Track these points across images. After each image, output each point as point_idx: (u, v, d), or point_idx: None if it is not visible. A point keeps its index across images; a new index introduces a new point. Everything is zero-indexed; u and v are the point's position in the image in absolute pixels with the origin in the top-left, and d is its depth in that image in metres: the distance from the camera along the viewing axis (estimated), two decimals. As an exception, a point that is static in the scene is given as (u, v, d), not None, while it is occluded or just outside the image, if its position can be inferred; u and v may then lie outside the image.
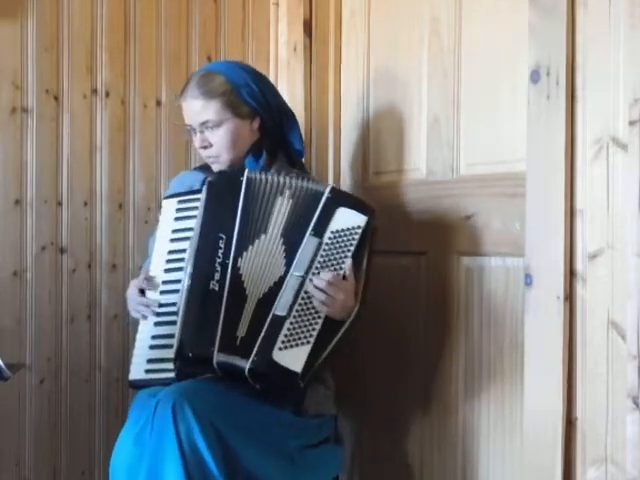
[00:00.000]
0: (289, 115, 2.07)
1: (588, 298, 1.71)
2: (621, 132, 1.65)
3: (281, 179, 1.88)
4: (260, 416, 1.77)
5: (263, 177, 1.88)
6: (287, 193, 1.86)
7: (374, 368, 2.30)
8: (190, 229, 1.87)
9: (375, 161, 2.39)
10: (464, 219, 2.05)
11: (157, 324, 1.87)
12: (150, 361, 1.84)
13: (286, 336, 1.75)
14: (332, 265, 1.80)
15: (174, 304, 1.82)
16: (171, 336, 1.77)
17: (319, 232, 1.82)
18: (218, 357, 1.72)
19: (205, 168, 2.05)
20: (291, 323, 1.76)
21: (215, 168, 2.00)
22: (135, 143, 2.41)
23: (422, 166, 2.21)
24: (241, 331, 1.76)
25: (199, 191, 1.91)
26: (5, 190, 2.21)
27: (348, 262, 1.79)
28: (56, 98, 2.28)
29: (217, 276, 1.78)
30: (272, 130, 2.02)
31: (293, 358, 1.73)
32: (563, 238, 1.73)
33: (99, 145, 2.35)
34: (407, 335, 2.18)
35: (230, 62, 2.20)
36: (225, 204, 1.85)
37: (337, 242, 1.82)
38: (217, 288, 1.77)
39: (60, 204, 2.29)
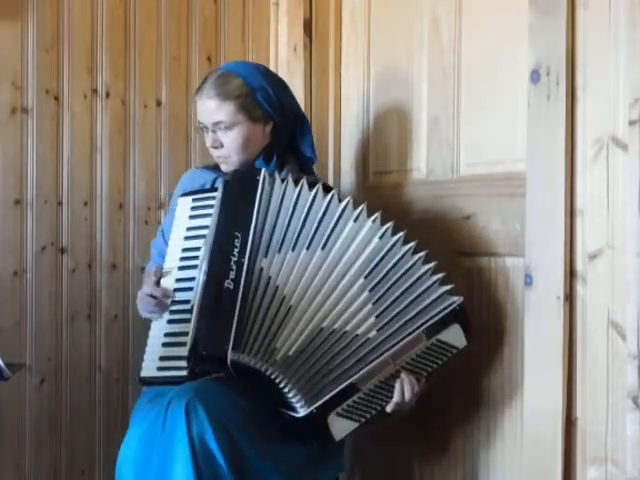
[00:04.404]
0: (303, 121, 2.06)
1: (588, 298, 1.71)
2: (621, 132, 1.65)
3: (339, 201, 1.84)
4: (267, 419, 1.76)
5: (290, 179, 1.85)
6: (367, 225, 1.81)
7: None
8: (205, 227, 1.86)
9: (375, 161, 2.39)
10: (464, 219, 2.05)
11: (170, 321, 1.85)
12: (162, 359, 1.82)
13: (349, 406, 1.74)
14: (417, 368, 1.80)
15: (187, 302, 1.81)
16: (184, 334, 1.76)
17: (430, 335, 1.79)
18: (232, 356, 1.69)
19: (216, 167, 2.05)
20: (359, 397, 1.75)
21: (224, 168, 2.00)
22: (135, 143, 2.41)
23: (422, 166, 2.21)
24: (287, 347, 1.72)
25: (215, 189, 1.91)
26: (5, 190, 2.21)
27: (421, 383, 1.81)
28: (56, 98, 2.28)
29: (232, 275, 1.75)
30: (285, 135, 2.01)
31: (341, 428, 1.74)
32: (563, 238, 1.73)
33: (99, 145, 2.35)
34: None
35: (249, 64, 2.19)
36: (240, 202, 1.83)
37: (435, 351, 1.80)
38: (232, 287, 1.74)
39: (60, 204, 2.29)
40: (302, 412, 1.72)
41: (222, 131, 1.95)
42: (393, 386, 1.78)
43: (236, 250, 1.77)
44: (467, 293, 2.05)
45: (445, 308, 1.80)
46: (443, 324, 1.80)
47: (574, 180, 1.74)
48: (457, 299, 1.82)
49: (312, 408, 1.71)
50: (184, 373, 1.75)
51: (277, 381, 1.72)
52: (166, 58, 2.46)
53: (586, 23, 1.71)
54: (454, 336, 1.82)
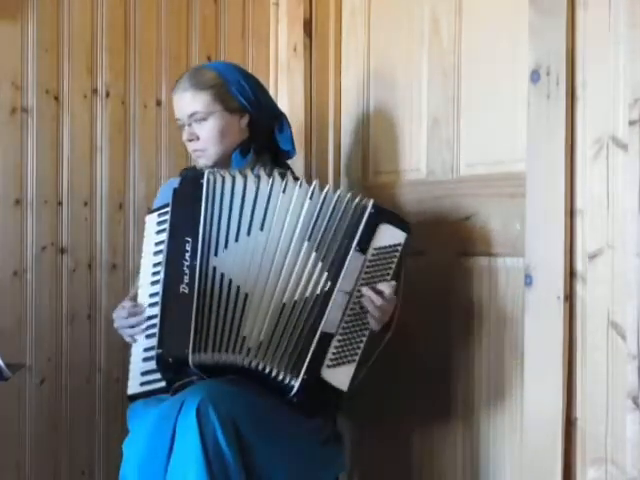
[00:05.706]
0: (281, 117, 2.06)
1: (588, 298, 1.71)
2: (621, 132, 1.65)
3: (260, 174, 1.85)
4: (277, 412, 1.77)
5: (227, 174, 1.86)
6: (295, 192, 1.82)
7: (374, 368, 2.29)
8: None
9: (375, 161, 2.39)
10: (464, 219, 2.05)
11: (148, 336, 1.85)
12: (144, 373, 1.83)
13: (334, 354, 1.75)
14: (375, 282, 1.79)
15: None
16: None
17: (363, 248, 1.80)
18: (194, 358, 1.70)
19: (190, 171, 2.05)
20: (338, 340, 1.76)
21: (201, 163, 2.00)
22: (135, 143, 2.41)
23: (422, 166, 2.21)
24: (256, 332, 1.74)
25: None
26: (5, 190, 2.21)
27: (392, 283, 1.79)
28: (56, 98, 2.28)
29: (186, 279, 1.76)
30: (262, 130, 2.02)
31: (341, 377, 1.74)
32: (563, 238, 1.73)
33: (99, 145, 2.35)
34: (406, 335, 2.18)
35: (225, 62, 2.21)
36: (188, 207, 1.83)
37: (381, 259, 1.80)
38: (187, 291, 1.75)
39: (60, 204, 2.29)
40: (296, 384, 1.73)
41: (198, 123, 1.96)
42: (364, 312, 1.78)
43: (188, 254, 1.78)
44: (467, 293, 2.06)
45: (361, 217, 1.81)
46: (370, 232, 1.80)
47: (574, 180, 1.74)
48: (367, 202, 1.83)
49: (302, 375, 1.72)
50: (164, 384, 1.77)
51: (260, 368, 1.73)
52: (166, 58, 2.46)
53: (586, 23, 1.72)
54: (388, 236, 1.81)
